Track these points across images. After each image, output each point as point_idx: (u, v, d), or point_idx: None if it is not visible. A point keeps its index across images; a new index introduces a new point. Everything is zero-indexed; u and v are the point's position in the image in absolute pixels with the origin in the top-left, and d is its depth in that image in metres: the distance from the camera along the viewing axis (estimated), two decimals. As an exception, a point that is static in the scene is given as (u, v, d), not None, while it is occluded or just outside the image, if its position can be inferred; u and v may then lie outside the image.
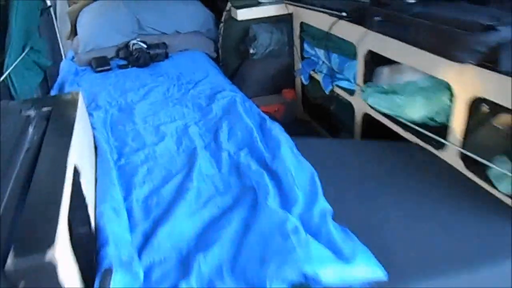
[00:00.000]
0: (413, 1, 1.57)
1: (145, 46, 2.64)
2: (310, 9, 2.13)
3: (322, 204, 1.18)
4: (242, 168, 1.40)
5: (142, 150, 1.59)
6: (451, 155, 1.42)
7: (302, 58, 2.46)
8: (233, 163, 1.47)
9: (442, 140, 1.44)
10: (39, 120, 1.10)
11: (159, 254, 1.09)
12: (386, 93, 1.65)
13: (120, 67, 2.56)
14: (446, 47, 1.30)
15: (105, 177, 1.28)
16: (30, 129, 1.04)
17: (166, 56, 2.67)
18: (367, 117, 1.91)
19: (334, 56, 2.13)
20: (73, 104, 1.24)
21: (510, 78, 1.15)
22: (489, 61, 1.23)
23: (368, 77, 1.84)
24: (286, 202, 1.19)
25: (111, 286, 0.89)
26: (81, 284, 0.85)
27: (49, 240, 0.72)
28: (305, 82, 2.44)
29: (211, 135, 1.69)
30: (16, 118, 1.07)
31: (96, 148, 1.48)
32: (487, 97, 1.26)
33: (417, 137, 1.57)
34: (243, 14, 2.37)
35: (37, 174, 0.91)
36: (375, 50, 1.70)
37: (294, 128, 2.58)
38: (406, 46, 1.48)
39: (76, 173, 1.00)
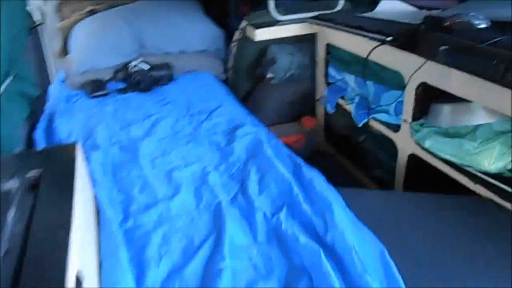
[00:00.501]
0: (484, 26, 1.31)
1: (147, 67, 2.33)
2: (343, 30, 1.84)
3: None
4: (286, 239, 1.10)
5: (154, 207, 1.28)
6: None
7: (327, 83, 2.18)
8: (272, 229, 1.16)
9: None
10: (24, 196, 0.79)
11: None
12: (450, 136, 1.37)
13: (119, 91, 2.24)
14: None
15: (112, 260, 0.97)
16: (11, 215, 0.72)
17: (171, 78, 2.37)
18: (413, 159, 1.63)
19: (369, 84, 1.85)
20: (70, 163, 0.93)
21: None
22: None
23: (419, 113, 1.56)
24: (359, 300, 0.89)
25: None
26: None
27: None
28: (331, 111, 2.16)
29: (237, 185, 1.38)
30: (-9, 197, 0.76)
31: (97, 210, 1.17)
32: None
33: (491, 191, 1.29)
34: (261, 34, 2.08)
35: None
36: (433, 83, 1.42)
37: (316, 163, 2.30)
38: (483, 82, 1.20)
39: (79, 281, 0.69)
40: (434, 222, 1.25)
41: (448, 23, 1.36)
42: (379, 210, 1.32)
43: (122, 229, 1.18)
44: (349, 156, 2.20)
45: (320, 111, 2.30)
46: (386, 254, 1.02)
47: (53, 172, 0.88)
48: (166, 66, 2.39)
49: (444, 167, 1.44)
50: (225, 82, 2.54)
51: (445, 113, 1.41)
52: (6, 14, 1.30)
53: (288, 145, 2.24)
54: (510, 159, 1.24)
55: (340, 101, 2.07)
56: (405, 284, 0.98)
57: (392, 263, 1.00)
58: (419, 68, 1.42)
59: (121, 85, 2.29)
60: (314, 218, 1.14)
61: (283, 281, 0.99)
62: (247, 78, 2.44)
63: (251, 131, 1.67)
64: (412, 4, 1.93)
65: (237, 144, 1.59)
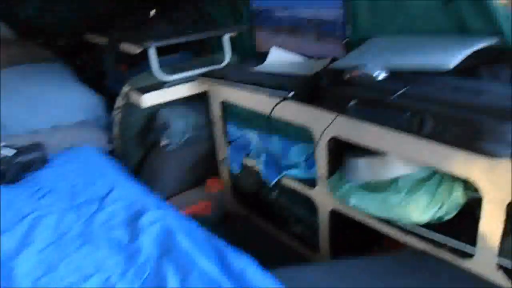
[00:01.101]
0: (384, 77, 1.30)
1: (12, 152, 1.92)
2: (239, 87, 1.73)
3: None
4: None
5: None
6: (483, 265, 1.12)
7: (227, 142, 2.04)
8: None
9: (469, 249, 1.13)
10: None
11: None
12: (373, 190, 1.32)
13: (-23, 187, 1.79)
14: (470, 139, 1.01)
15: None
16: None
17: (44, 161, 1.98)
18: (335, 214, 1.55)
19: (275, 139, 1.76)
20: None
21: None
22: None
23: (334, 167, 1.50)
24: None
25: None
26: None
27: None
28: (236, 172, 2.01)
29: (153, 295, 1.12)
30: None
31: None
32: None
33: (423, 241, 1.24)
34: (149, 100, 1.87)
35: None
36: (345, 137, 1.37)
37: (229, 227, 2.13)
38: (399, 134, 1.17)
39: None
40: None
41: (348, 76, 1.32)
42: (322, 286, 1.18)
43: None
44: (264, 215, 2.07)
45: (225, 171, 2.14)
46: None
47: None
48: (37, 146, 2.00)
49: (371, 222, 1.38)
50: (112, 153, 2.24)
51: (361, 168, 1.36)
52: None
53: (195, 215, 2.04)
54: (437, 207, 1.21)
55: (245, 160, 1.94)
56: None
57: None
58: (330, 123, 1.36)
59: (-21, 179, 1.85)
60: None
61: None
62: (137, 146, 2.19)
63: (158, 217, 1.42)
64: (300, 54, 1.92)
65: (144, 238, 1.32)
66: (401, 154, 1.24)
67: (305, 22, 1.84)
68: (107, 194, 1.64)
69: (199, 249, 1.23)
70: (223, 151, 2.06)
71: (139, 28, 2.14)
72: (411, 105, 1.11)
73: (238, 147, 1.99)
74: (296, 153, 1.69)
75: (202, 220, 2.03)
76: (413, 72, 1.28)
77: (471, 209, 1.19)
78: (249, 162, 1.92)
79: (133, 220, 1.44)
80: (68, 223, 1.48)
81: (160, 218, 1.41)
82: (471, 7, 1.34)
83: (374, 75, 1.29)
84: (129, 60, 2.41)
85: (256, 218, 2.09)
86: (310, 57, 1.87)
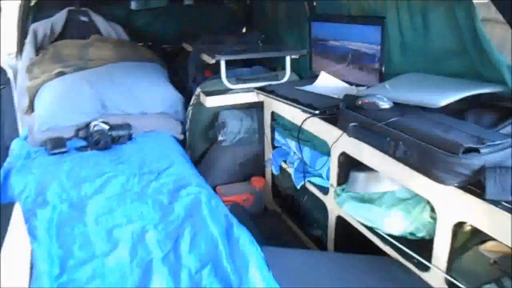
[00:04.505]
0: (387, 106, 1.53)
1: (107, 127, 2.49)
2: (281, 101, 2.07)
3: None
4: (204, 295, 1.22)
5: (90, 262, 1.38)
6: (436, 279, 1.30)
7: (273, 147, 2.37)
8: (194, 285, 1.28)
9: (426, 262, 1.32)
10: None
11: None
12: (363, 201, 1.55)
13: (79, 149, 2.37)
14: (427, 166, 1.22)
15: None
16: None
17: (130, 138, 2.52)
18: (341, 220, 1.79)
19: (306, 150, 2.05)
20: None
21: (493, 205, 1.08)
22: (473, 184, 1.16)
23: (343, 178, 1.75)
24: None
25: None
26: None
27: None
28: (276, 173, 2.33)
29: (171, 243, 1.50)
30: None
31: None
32: (471, 223, 1.17)
33: (398, 252, 1.44)
34: (212, 101, 2.29)
35: None
36: (349, 153, 1.62)
37: (263, 220, 2.44)
38: (384, 155, 1.40)
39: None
40: (349, 281, 1.39)
41: (360, 102, 1.58)
42: (299, 269, 1.45)
43: (57, 283, 1.28)
44: (292, 215, 2.35)
45: (268, 172, 2.48)
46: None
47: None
48: (126, 126, 2.54)
49: (362, 229, 1.61)
50: (183, 142, 2.71)
51: (359, 181, 1.59)
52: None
53: (238, 203, 2.39)
54: (409, 224, 1.41)
55: (283, 165, 2.25)
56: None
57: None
58: (337, 139, 1.62)
59: (82, 143, 2.43)
60: (232, 275, 1.27)
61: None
62: (202, 140, 2.63)
63: (194, 191, 1.81)
64: (344, 80, 2.18)
65: (177, 204, 1.72)
66: (384, 172, 1.46)
67: (351, 53, 2.11)
68: (165, 169, 2.09)
69: (213, 217, 1.59)
70: (269, 154, 2.40)
71: (220, 42, 2.59)
72: (392, 132, 1.35)
73: (280, 153, 2.31)
74: (321, 163, 1.96)
75: (242, 208, 2.39)
76: (413, 106, 1.50)
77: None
78: (286, 166, 2.23)
79: (176, 191, 1.84)
80: (131, 184, 1.95)
81: (195, 192, 1.80)
82: (481, 56, 1.50)
83: (378, 104, 1.53)
84: (214, 67, 2.90)
85: (287, 218, 2.38)
86: (352, 84, 2.13)
